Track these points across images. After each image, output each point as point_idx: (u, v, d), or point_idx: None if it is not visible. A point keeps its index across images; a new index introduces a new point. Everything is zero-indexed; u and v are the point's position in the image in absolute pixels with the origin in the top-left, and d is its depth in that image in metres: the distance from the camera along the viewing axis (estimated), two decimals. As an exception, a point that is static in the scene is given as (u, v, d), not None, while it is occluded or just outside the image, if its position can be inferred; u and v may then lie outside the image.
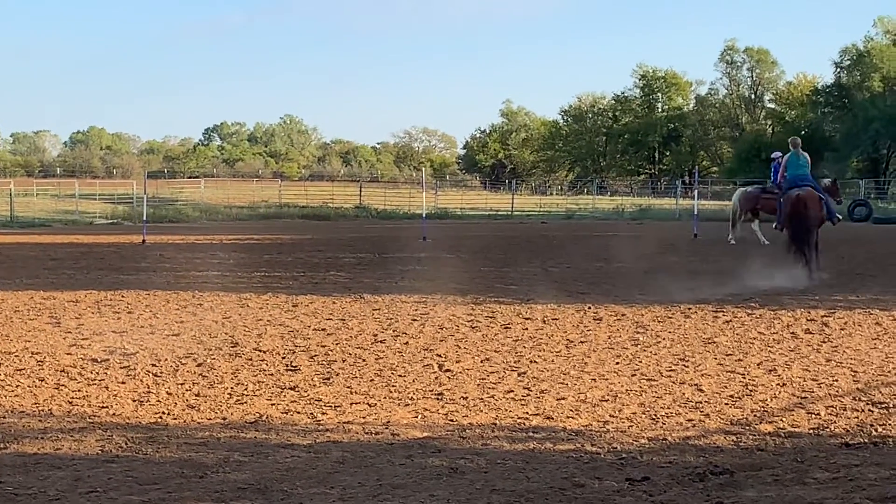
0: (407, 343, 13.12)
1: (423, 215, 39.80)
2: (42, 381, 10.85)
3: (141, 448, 8.10)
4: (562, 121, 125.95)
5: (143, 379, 10.93)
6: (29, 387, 10.54)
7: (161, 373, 11.25)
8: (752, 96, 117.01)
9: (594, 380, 10.80)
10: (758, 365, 11.56)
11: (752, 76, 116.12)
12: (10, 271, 23.32)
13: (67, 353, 12.44)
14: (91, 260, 26.60)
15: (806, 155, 21.99)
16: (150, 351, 12.57)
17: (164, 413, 9.39)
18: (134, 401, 9.91)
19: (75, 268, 24.28)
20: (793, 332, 13.83)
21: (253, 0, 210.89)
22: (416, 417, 9.21)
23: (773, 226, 23.91)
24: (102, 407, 9.64)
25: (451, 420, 9.11)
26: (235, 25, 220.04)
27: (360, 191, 76.05)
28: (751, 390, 10.25)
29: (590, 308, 16.27)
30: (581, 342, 13.16)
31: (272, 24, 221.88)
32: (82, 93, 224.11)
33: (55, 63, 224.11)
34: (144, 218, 38.79)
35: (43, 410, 9.52)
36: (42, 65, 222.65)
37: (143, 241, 34.03)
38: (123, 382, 10.76)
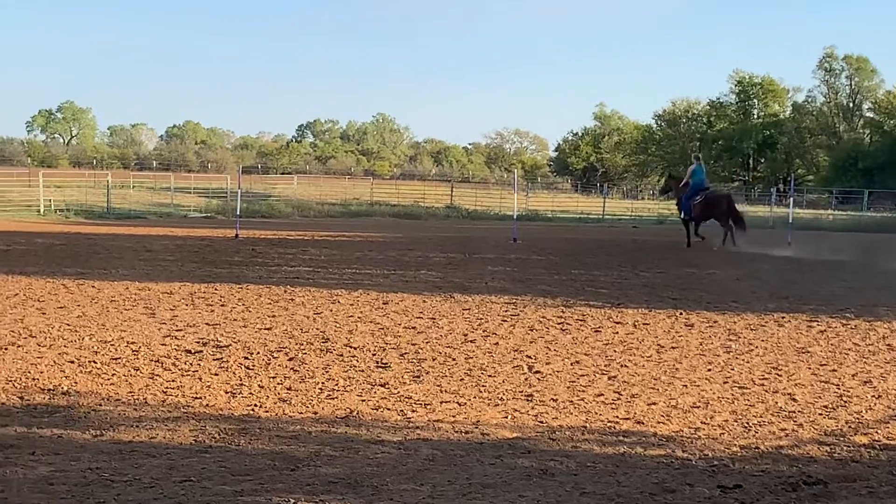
0: (497, 343, 13.12)
1: (514, 217, 39.80)
2: (137, 370, 11.01)
3: (233, 439, 8.19)
4: (655, 125, 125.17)
5: (236, 371, 11.04)
6: (124, 376, 10.70)
7: (253, 366, 11.36)
8: (851, 105, 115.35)
9: (685, 386, 10.72)
10: (853, 376, 11.40)
11: (850, 84, 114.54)
12: (107, 262, 23.65)
13: (162, 344, 12.60)
14: (185, 253, 26.89)
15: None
16: (243, 344, 12.70)
17: (256, 405, 9.48)
18: (227, 392, 10.02)
19: (170, 260, 24.57)
20: (888, 344, 13.62)
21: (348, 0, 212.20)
22: (506, 418, 9.21)
23: (682, 216, 33.21)
24: (196, 398, 9.76)
25: (541, 421, 9.09)
26: (330, 24, 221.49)
27: (451, 191, 76.13)
28: (845, 401, 10.12)
29: (681, 314, 16.16)
30: (672, 348, 13.07)
31: (367, 23, 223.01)
32: (179, 87, 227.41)
33: (153, 58, 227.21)
34: (238, 212, 39.13)
35: (138, 399, 9.66)
36: (140, 59, 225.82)
37: (237, 235, 34.34)
38: (216, 374, 10.88)
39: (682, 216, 33.70)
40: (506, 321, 15.08)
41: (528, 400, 9.94)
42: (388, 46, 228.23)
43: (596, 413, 9.43)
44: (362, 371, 11.19)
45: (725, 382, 10.94)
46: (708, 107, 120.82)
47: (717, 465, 7.72)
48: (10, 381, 10.30)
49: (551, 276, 22.38)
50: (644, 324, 15.09)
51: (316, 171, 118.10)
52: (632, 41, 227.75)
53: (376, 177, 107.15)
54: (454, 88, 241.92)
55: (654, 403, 9.86)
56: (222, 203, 58.25)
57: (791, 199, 44.21)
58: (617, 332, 14.23)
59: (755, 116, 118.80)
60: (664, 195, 38.77)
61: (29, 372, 10.73)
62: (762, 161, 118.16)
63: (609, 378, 11.06)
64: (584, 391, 10.39)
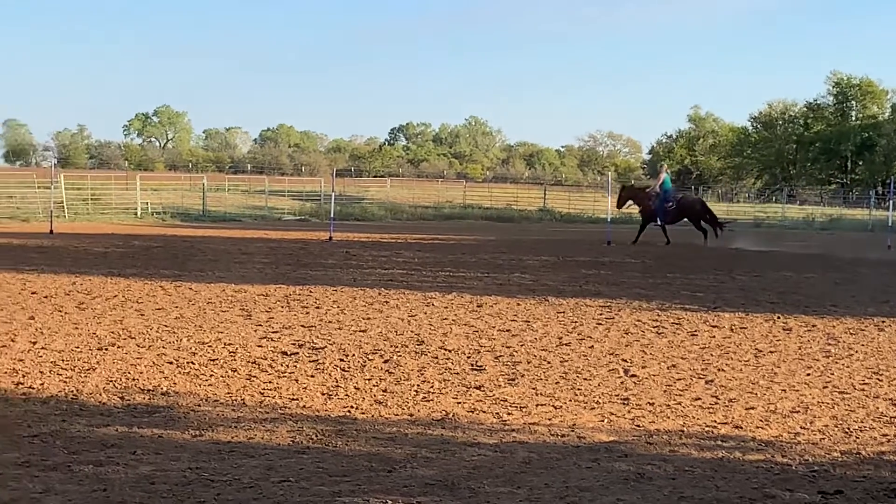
0: (592, 347, 13.06)
1: (608, 219, 39.58)
2: (234, 371, 11.11)
3: (330, 440, 8.23)
4: (751, 127, 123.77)
5: (332, 373, 11.10)
6: (222, 377, 10.81)
7: (349, 368, 11.41)
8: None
9: (784, 391, 10.59)
10: (956, 381, 11.19)
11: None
12: (203, 264, 23.91)
13: (258, 346, 12.71)
14: (280, 255, 27.09)
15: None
16: (338, 346, 12.76)
17: (352, 407, 9.52)
18: (323, 394, 10.08)
19: (265, 262, 24.76)
20: None
21: (440, 3, 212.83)
22: (602, 421, 9.16)
23: (658, 222, 35.53)
24: (293, 399, 9.83)
25: (638, 425, 9.04)
26: (423, 28, 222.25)
27: (544, 194, 75.97)
28: (949, 407, 9.94)
29: (779, 318, 15.98)
30: (770, 352, 12.92)
31: (457, 26, 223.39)
32: (273, 91, 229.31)
33: (247, 62, 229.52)
34: (332, 215, 39.33)
35: (236, 400, 9.75)
36: (234, 63, 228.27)
37: (330, 237, 34.56)
38: (312, 376, 10.95)
39: (658, 222, 35.99)
40: (601, 324, 15.02)
41: (624, 403, 9.88)
42: (481, 49, 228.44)
43: (693, 417, 9.35)
44: (457, 374, 11.20)
45: (825, 387, 10.80)
46: (805, 108, 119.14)
47: (817, 470, 7.61)
48: (111, 381, 10.45)
49: (646, 279, 22.25)
50: (741, 327, 14.95)
51: (408, 174, 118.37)
52: (727, 43, 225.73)
53: (469, 180, 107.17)
54: (547, 91, 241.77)
55: (753, 408, 9.76)
56: (316, 206, 58.56)
57: (890, 202, 43.56)
58: (713, 336, 14.11)
59: (853, 118, 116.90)
60: (621, 207, 40.24)
61: (129, 372, 10.88)
62: (860, 164, 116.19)
63: (706, 382, 10.97)
64: (680, 395, 10.31)
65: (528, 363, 11.84)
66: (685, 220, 36.72)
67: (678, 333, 14.32)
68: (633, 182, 42.76)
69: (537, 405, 9.74)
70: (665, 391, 10.49)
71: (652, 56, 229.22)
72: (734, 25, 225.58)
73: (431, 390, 10.33)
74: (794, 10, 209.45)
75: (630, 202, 38.09)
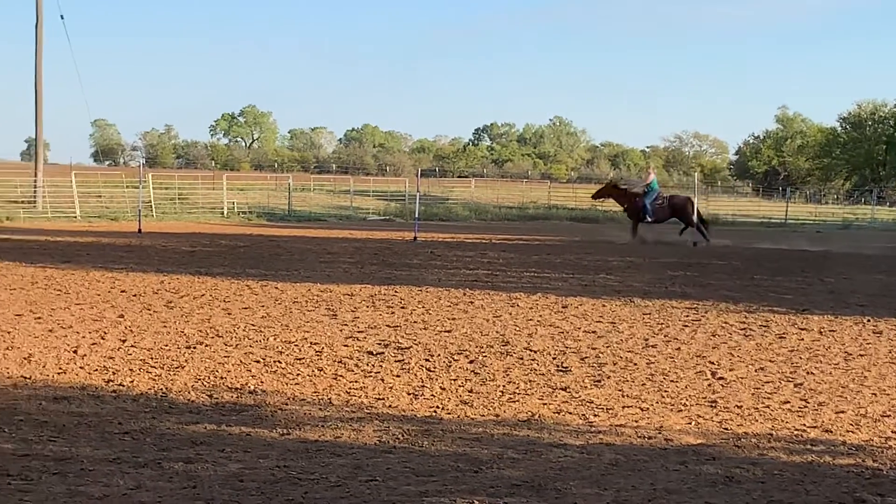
0: (679, 349, 12.98)
1: (695, 221, 39.27)
2: (321, 370, 11.18)
3: (417, 440, 8.25)
4: (840, 128, 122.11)
5: (417, 373, 11.13)
6: (308, 376, 10.88)
7: (434, 368, 11.43)
8: None
9: (875, 394, 10.45)
10: None
11: None
12: (289, 264, 24.06)
13: (344, 345, 12.77)
14: (365, 255, 27.19)
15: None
16: (424, 346, 12.79)
17: (438, 407, 9.55)
18: (409, 394, 10.11)
19: (350, 262, 24.86)
20: None
21: (525, 3, 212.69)
22: (690, 424, 9.10)
23: (648, 219, 36.27)
24: (379, 398, 9.87)
25: (726, 428, 8.96)
26: (507, 28, 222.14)
27: (630, 194, 75.39)
28: None
29: (869, 321, 15.77)
30: (860, 355, 12.75)
31: (543, 26, 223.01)
32: (358, 91, 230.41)
33: (332, 62, 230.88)
34: (416, 215, 39.42)
35: (322, 399, 9.81)
36: (319, 64, 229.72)
37: (415, 237, 34.63)
38: (398, 375, 10.99)
39: (647, 219, 36.72)
40: (687, 326, 14.91)
41: (711, 406, 9.81)
42: (566, 49, 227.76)
43: (782, 420, 9.26)
44: (543, 374, 11.18)
45: (917, 391, 10.64)
46: (895, 109, 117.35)
47: (909, 476, 7.50)
48: (200, 379, 10.56)
49: (733, 280, 22.05)
50: (830, 330, 14.77)
51: (492, 175, 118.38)
52: (816, 42, 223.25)
53: (553, 180, 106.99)
54: (632, 91, 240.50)
55: (843, 412, 9.64)
56: (400, 206, 58.72)
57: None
58: (802, 339, 13.95)
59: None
60: (598, 199, 41.08)
61: (217, 371, 10.99)
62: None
63: (795, 385, 10.85)
64: (769, 398, 10.20)
65: (614, 365, 11.79)
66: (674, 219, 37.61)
67: (766, 336, 14.17)
68: (622, 181, 43.12)
69: (624, 407, 9.70)
70: (753, 394, 10.39)
71: (739, 56, 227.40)
72: (823, 25, 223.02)
73: (517, 391, 10.32)
74: (883, 9, 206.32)
75: (609, 198, 39.25)
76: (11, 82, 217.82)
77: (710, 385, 10.80)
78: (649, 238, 36.23)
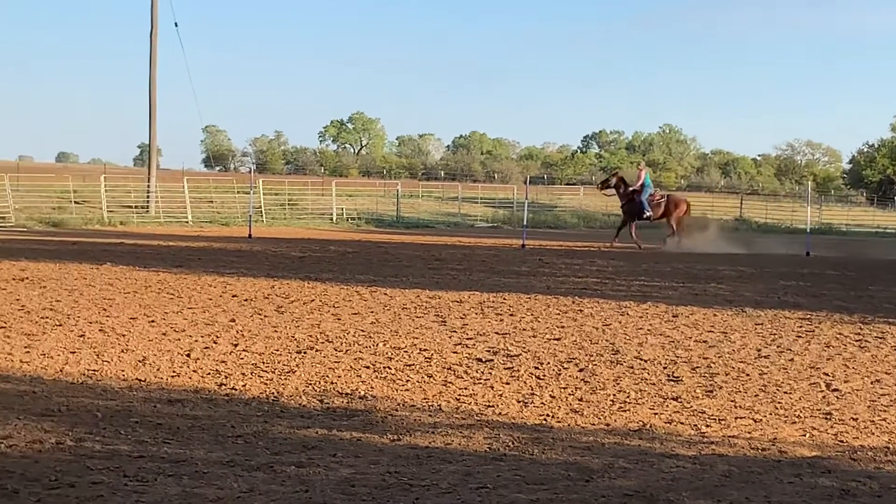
0: (792, 360, 12.78)
1: (807, 230, 38.84)
2: (430, 377, 11.20)
3: (527, 448, 8.22)
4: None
5: (527, 381, 11.10)
6: (418, 382, 10.90)
7: (544, 376, 11.39)
8: None
9: None
10: None
11: None
12: (397, 270, 24.17)
13: (453, 352, 12.78)
14: (473, 262, 27.21)
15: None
16: (533, 354, 12.75)
17: (548, 415, 9.51)
18: (518, 402, 10.08)
19: (458, 269, 24.91)
20: None
21: (633, 9, 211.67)
22: (804, 436, 8.96)
23: (646, 216, 37.17)
24: (488, 405, 9.86)
25: (841, 441, 8.81)
26: (616, 34, 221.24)
27: (741, 203, 74.72)
28: None
29: None
30: (980, 368, 12.46)
31: (651, 32, 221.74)
32: (465, 98, 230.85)
33: (439, 69, 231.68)
34: (524, 222, 39.41)
35: (432, 406, 9.82)
36: (426, 70, 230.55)
37: (523, 245, 34.62)
38: (507, 383, 10.96)
39: (646, 216, 37.56)
40: (800, 337, 14.68)
41: (826, 418, 9.64)
42: (676, 56, 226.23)
43: (900, 434, 9.08)
44: (653, 384, 11.08)
45: None
46: None
47: None
48: (310, 384, 10.64)
49: (847, 291, 21.68)
50: (948, 343, 14.45)
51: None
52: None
53: (663, 188, 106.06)
54: (743, 99, 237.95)
55: (963, 426, 9.43)
56: (508, 213, 58.81)
57: None
58: (919, 351, 13.67)
59: None
60: (603, 189, 40.90)
61: (327, 376, 11.06)
62: None
63: (913, 398, 10.63)
64: (885, 411, 10.01)
65: (726, 375, 11.65)
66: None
67: (882, 348, 13.91)
68: (619, 174, 42.96)
69: (736, 418, 9.57)
70: (869, 406, 10.20)
71: (854, 63, 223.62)
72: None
73: (627, 400, 10.24)
74: None
75: (614, 191, 39.31)
76: (125, 89, 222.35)
77: (824, 397, 10.62)
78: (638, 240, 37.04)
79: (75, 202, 48.84)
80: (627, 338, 14.24)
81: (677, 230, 37.39)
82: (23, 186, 50.08)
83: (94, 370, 11.08)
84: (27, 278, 20.02)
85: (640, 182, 37.91)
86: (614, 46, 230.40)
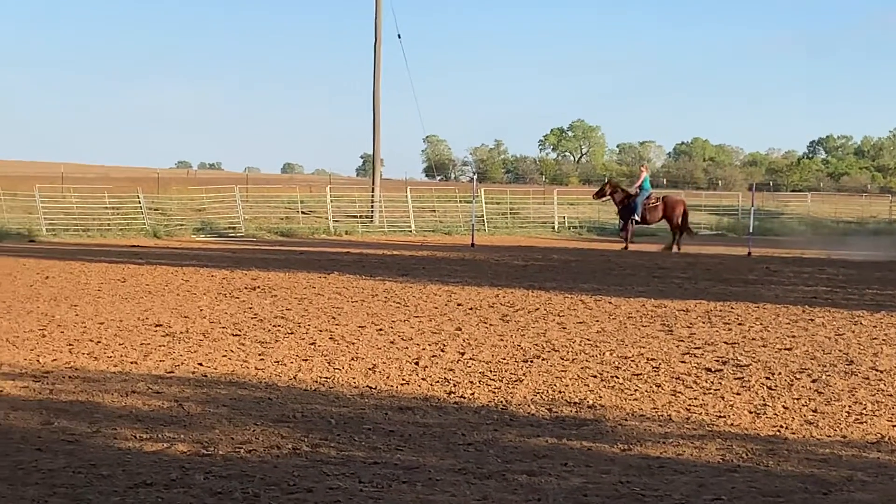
0: None
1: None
2: (658, 386, 11.09)
3: (761, 460, 8.07)
4: None
5: (758, 391, 10.89)
6: (647, 391, 10.81)
7: (775, 386, 11.16)
8: None
9: None
10: None
11: None
12: (621, 278, 24.02)
13: (681, 361, 12.63)
14: (698, 270, 26.85)
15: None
16: (763, 364, 12.51)
17: (781, 427, 9.31)
18: (750, 412, 9.90)
19: (682, 277, 24.61)
20: None
21: (863, 10, 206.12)
22: None
23: (635, 218, 36.89)
24: (720, 416, 9.71)
25: None
26: (843, 35, 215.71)
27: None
28: None
29: None
30: None
31: (881, 33, 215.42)
32: (687, 104, 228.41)
33: (660, 75, 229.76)
34: (750, 230, 38.68)
35: (662, 415, 9.72)
36: (647, 77, 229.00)
37: (749, 253, 34.00)
38: (738, 393, 10.78)
39: (636, 218, 37.15)
40: None
41: None
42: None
43: None
44: (891, 395, 10.74)
45: None
46: None
47: None
48: (538, 392, 10.66)
49: None
50: None
51: (828, 189, 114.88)
52: None
53: (894, 194, 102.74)
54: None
55: None
56: (733, 221, 57.82)
57: None
58: None
59: None
60: (598, 198, 40.42)
61: (555, 385, 11.06)
62: None
63: None
64: None
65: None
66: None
67: None
68: (609, 181, 41.37)
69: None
70: None
71: None
72: None
73: (864, 412, 9.95)
74: None
75: (608, 197, 38.92)
76: (349, 100, 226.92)
77: None
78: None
79: (302, 212, 50.00)
80: (861, 348, 13.84)
81: (681, 230, 36.92)
82: (251, 197, 51.45)
83: (326, 377, 11.33)
84: (259, 287, 20.61)
85: (638, 183, 37.86)
86: (845, 46, 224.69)
